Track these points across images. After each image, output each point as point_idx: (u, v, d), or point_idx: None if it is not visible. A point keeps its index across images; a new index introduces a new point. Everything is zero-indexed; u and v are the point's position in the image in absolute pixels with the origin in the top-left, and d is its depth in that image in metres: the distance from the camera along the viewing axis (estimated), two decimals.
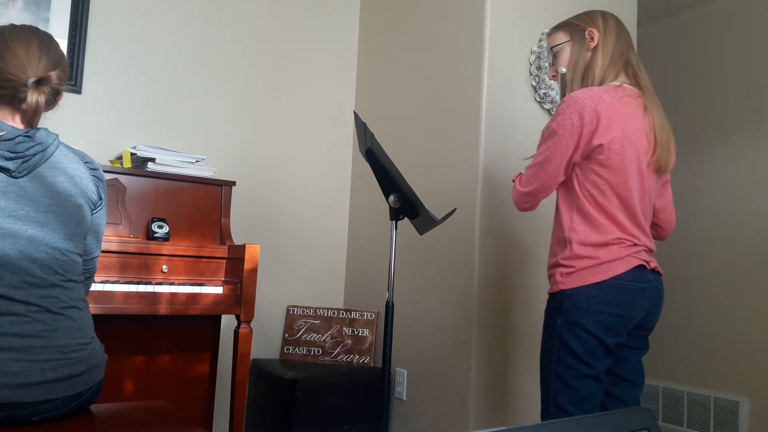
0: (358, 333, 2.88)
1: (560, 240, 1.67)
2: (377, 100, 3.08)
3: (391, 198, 1.85)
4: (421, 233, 1.98)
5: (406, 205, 1.86)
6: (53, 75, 1.43)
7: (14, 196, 1.36)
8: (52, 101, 1.47)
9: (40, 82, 1.41)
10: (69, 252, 1.43)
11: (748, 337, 3.16)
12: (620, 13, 2.83)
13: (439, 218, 1.86)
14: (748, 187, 3.26)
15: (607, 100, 1.59)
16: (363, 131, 1.86)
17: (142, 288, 2.03)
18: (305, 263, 3.05)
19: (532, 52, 2.57)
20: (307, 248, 3.06)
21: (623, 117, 1.60)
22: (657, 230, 1.85)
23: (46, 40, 1.47)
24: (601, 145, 1.58)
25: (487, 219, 2.42)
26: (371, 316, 2.90)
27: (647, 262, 1.64)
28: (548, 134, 1.66)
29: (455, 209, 2.02)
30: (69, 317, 1.41)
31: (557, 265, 1.66)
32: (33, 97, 1.40)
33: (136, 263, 2.15)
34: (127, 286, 2.01)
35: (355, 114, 1.92)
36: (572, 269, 1.61)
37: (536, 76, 2.55)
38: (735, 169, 3.33)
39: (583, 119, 1.59)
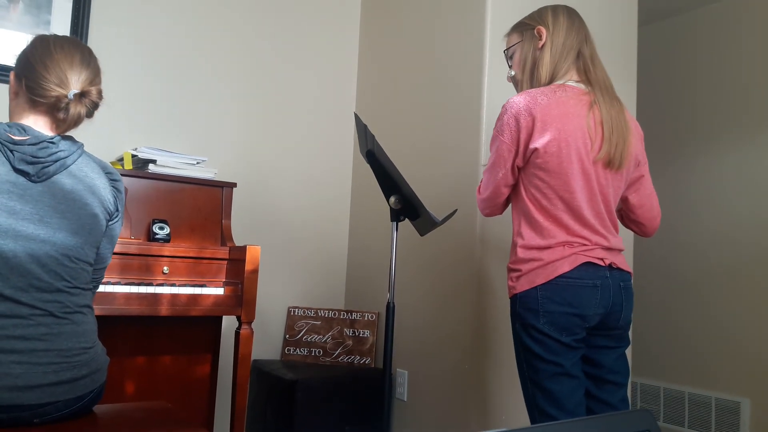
0: (359, 334, 2.88)
1: (512, 244, 1.67)
2: (378, 101, 3.08)
3: (392, 199, 1.85)
4: (422, 234, 1.98)
5: (406, 207, 1.86)
6: (94, 90, 1.46)
7: (30, 200, 1.38)
8: (91, 114, 1.50)
9: (82, 96, 1.44)
10: (78, 260, 1.44)
11: (749, 338, 3.17)
12: (620, 14, 2.84)
13: (440, 219, 1.86)
14: (740, 188, 3.26)
15: (542, 103, 1.57)
16: (364, 133, 1.86)
17: (143, 289, 2.03)
18: (306, 264, 3.05)
19: None
20: (307, 249, 3.06)
21: (559, 118, 1.56)
22: (639, 227, 1.82)
23: (87, 54, 1.50)
24: (536, 149, 1.56)
25: (487, 220, 2.42)
26: (372, 317, 2.90)
27: (601, 259, 1.59)
28: (492, 140, 1.66)
29: (456, 210, 2.02)
30: (73, 322, 1.41)
31: (508, 269, 1.67)
32: (76, 110, 1.43)
33: (137, 264, 2.15)
34: (128, 287, 2.01)
35: (356, 116, 1.92)
36: (519, 272, 1.61)
37: None
38: (732, 171, 3.33)
39: (519, 123, 1.58)
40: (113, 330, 2.21)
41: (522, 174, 1.64)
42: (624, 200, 1.77)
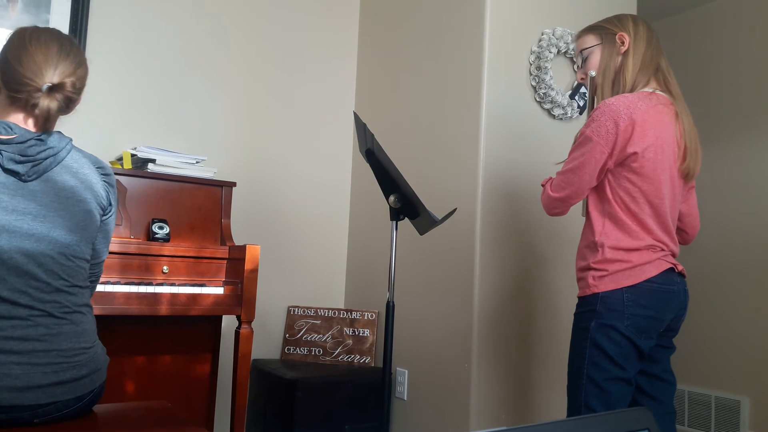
0: (359, 333, 2.88)
1: (590, 244, 1.67)
2: (377, 100, 3.08)
3: (392, 198, 1.85)
4: (421, 233, 1.98)
5: (406, 205, 1.86)
6: (68, 82, 1.40)
7: (23, 200, 1.36)
8: (65, 108, 1.44)
9: (53, 89, 1.39)
10: (75, 257, 1.43)
11: (749, 336, 3.17)
12: (619, 12, 2.84)
13: (440, 218, 1.86)
14: (749, 186, 3.26)
15: (641, 108, 1.59)
16: (363, 132, 1.86)
17: (143, 289, 2.03)
18: (306, 263, 3.05)
19: (532, 52, 2.57)
20: (307, 248, 3.06)
21: (657, 125, 1.60)
22: (682, 235, 1.86)
23: (66, 44, 1.44)
24: (635, 153, 1.58)
25: (487, 219, 2.42)
26: (372, 316, 2.90)
27: (675, 264, 1.65)
28: (582, 140, 1.65)
29: (455, 209, 2.02)
30: (72, 321, 1.40)
31: (588, 268, 1.66)
32: (45, 103, 1.38)
33: (136, 264, 2.15)
34: (128, 286, 2.01)
35: (355, 114, 1.92)
36: (605, 272, 1.61)
37: (536, 76, 2.55)
38: (732, 169, 3.33)
39: (618, 126, 1.58)
40: (113, 329, 2.20)
41: (609, 176, 1.65)
42: None
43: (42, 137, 1.39)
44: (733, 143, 3.35)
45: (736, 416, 3.14)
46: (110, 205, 1.54)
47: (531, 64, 2.57)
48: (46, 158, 1.38)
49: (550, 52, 2.55)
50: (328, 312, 2.94)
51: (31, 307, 1.34)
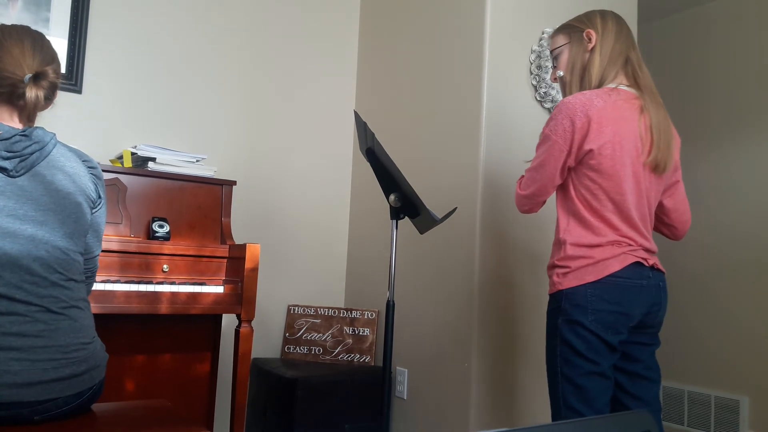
0: (359, 332, 2.88)
1: (556, 242, 1.69)
2: (378, 99, 3.08)
3: (392, 197, 1.85)
4: (421, 232, 1.98)
5: (406, 205, 1.86)
6: (49, 69, 1.45)
7: (12, 196, 1.36)
8: (51, 96, 1.49)
9: (37, 77, 1.43)
10: (69, 250, 1.43)
11: (748, 336, 3.17)
12: (620, 11, 2.83)
13: (440, 217, 1.86)
14: (750, 185, 3.26)
15: (598, 105, 1.59)
16: (363, 131, 1.86)
17: (143, 287, 2.03)
18: (306, 262, 3.05)
19: (532, 52, 2.57)
20: (307, 247, 3.06)
21: (615, 121, 1.59)
22: (671, 230, 1.86)
23: (38, 38, 1.49)
24: (591, 150, 1.58)
25: (487, 218, 2.42)
26: (372, 315, 2.90)
27: (645, 259, 1.63)
28: (543, 139, 1.68)
29: (456, 208, 2.02)
30: (70, 317, 1.41)
31: (554, 266, 1.68)
32: (32, 92, 1.42)
33: (137, 263, 2.15)
34: (128, 285, 2.01)
35: (356, 113, 1.92)
36: (568, 269, 1.62)
37: (536, 75, 2.55)
38: (736, 167, 3.33)
39: (574, 124, 1.59)
40: (113, 328, 2.20)
41: (572, 174, 1.66)
42: (659, 204, 1.79)
43: (26, 132, 1.41)
44: (737, 142, 3.35)
45: (736, 416, 3.14)
46: (99, 197, 1.55)
47: (531, 63, 2.57)
48: (32, 153, 1.40)
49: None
50: (328, 311, 2.94)
51: (28, 303, 1.34)
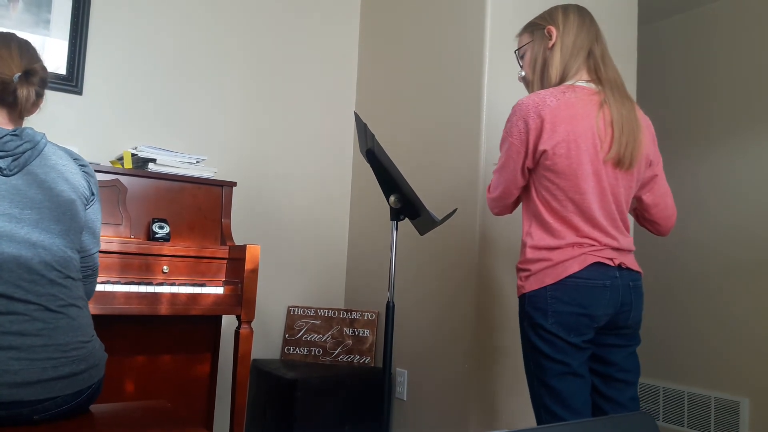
0: (359, 333, 2.88)
1: (521, 244, 1.68)
2: (378, 100, 3.08)
3: (392, 198, 1.85)
4: (421, 234, 1.98)
5: (406, 206, 1.86)
6: (38, 66, 1.48)
7: (7, 195, 1.38)
8: (41, 93, 1.52)
9: (28, 74, 1.46)
10: (65, 248, 1.44)
11: (748, 337, 3.16)
12: (620, 13, 2.84)
13: (440, 219, 1.86)
14: (752, 185, 3.26)
15: (551, 104, 1.56)
16: (363, 132, 1.86)
17: (143, 288, 2.03)
18: (306, 263, 3.05)
19: None
20: (307, 249, 3.06)
21: (569, 120, 1.55)
22: (654, 226, 1.81)
23: (24, 43, 1.53)
24: (545, 151, 1.56)
25: (487, 219, 2.42)
26: (372, 316, 2.90)
27: (610, 259, 1.58)
28: (501, 141, 1.66)
29: (456, 209, 2.02)
30: (68, 315, 1.41)
31: (518, 269, 1.67)
32: (24, 90, 1.45)
33: (137, 264, 2.15)
34: (128, 286, 2.01)
35: (356, 115, 1.92)
36: (529, 272, 1.61)
37: None
38: (738, 167, 3.33)
39: (528, 125, 1.57)
40: (113, 329, 2.20)
41: (533, 175, 1.63)
42: (638, 200, 1.75)
43: (17, 132, 1.43)
44: (737, 142, 3.35)
45: (736, 417, 3.14)
46: (92, 194, 1.56)
47: None
48: (24, 152, 1.41)
49: None
50: (328, 312, 2.93)
51: (27, 302, 1.34)
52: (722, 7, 3.49)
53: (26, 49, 1.50)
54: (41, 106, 1.55)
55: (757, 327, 3.14)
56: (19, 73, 1.44)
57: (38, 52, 1.55)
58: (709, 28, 3.55)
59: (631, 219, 1.93)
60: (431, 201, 2.45)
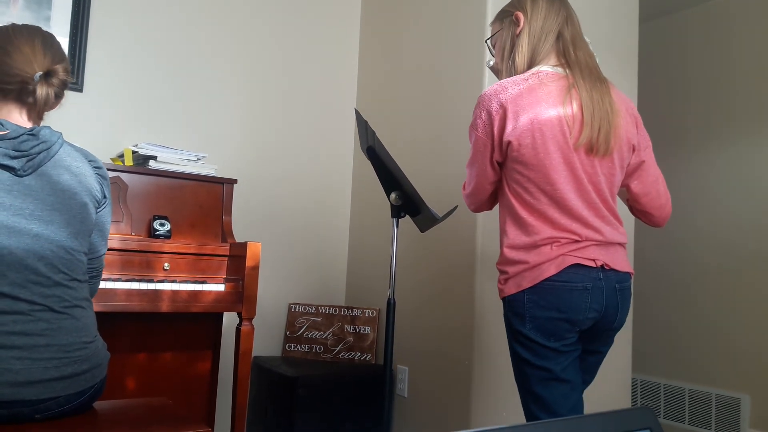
0: (360, 330, 2.89)
1: (500, 244, 1.59)
2: (378, 97, 3.08)
3: (393, 196, 1.84)
4: (422, 231, 1.98)
5: (407, 203, 1.86)
6: (60, 68, 1.45)
7: (19, 195, 1.37)
8: (60, 94, 1.49)
9: (48, 75, 1.43)
10: (74, 250, 1.43)
11: (749, 334, 3.17)
12: (620, 10, 2.83)
13: (441, 216, 1.86)
14: (750, 182, 3.25)
15: (512, 93, 1.47)
16: (364, 129, 1.86)
17: (144, 285, 2.03)
18: (307, 261, 3.05)
19: None
20: (308, 246, 3.06)
21: (531, 107, 1.46)
22: (647, 217, 1.69)
23: (48, 38, 1.49)
24: (510, 142, 1.47)
25: (488, 216, 2.42)
26: (373, 313, 2.90)
27: (592, 260, 1.48)
28: (468, 135, 1.59)
29: (456, 207, 2.02)
30: (72, 316, 1.41)
31: (498, 271, 1.59)
32: (43, 90, 1.42)
33: (138, 261, 2.15)
34: (129, 283, 2.01)
35: (357, 112, 1.92)
36: (507, 275, 1.53)
37: None
38: (741, 163, 3.33)
39: (491, 116, 1.49)
40: (114, 326, 2.21)
41: (504, 169, 1.55)
42: (627, 189, 1.65)
43: (34, 131, 1.41)
44: (720, 145, 3.35)
45: (737, 414, 3.14)
46: (104, 197, 1.55)
47: None
48: (39, 152, 1.40)
49: None
50: (329, 309, 2.94)
51: (31, 302, 1.34)
52: (720, 7, 3.48)
53: (50, 46, 1.47)
54: (62, 101, 1.53)
55: (758, 323, 3.14)
56: (41, 73, 1.42)
57: (61, 46, 1.51)
58: (707, 27, 3.54)
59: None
60: (432, 198, 2.45)
